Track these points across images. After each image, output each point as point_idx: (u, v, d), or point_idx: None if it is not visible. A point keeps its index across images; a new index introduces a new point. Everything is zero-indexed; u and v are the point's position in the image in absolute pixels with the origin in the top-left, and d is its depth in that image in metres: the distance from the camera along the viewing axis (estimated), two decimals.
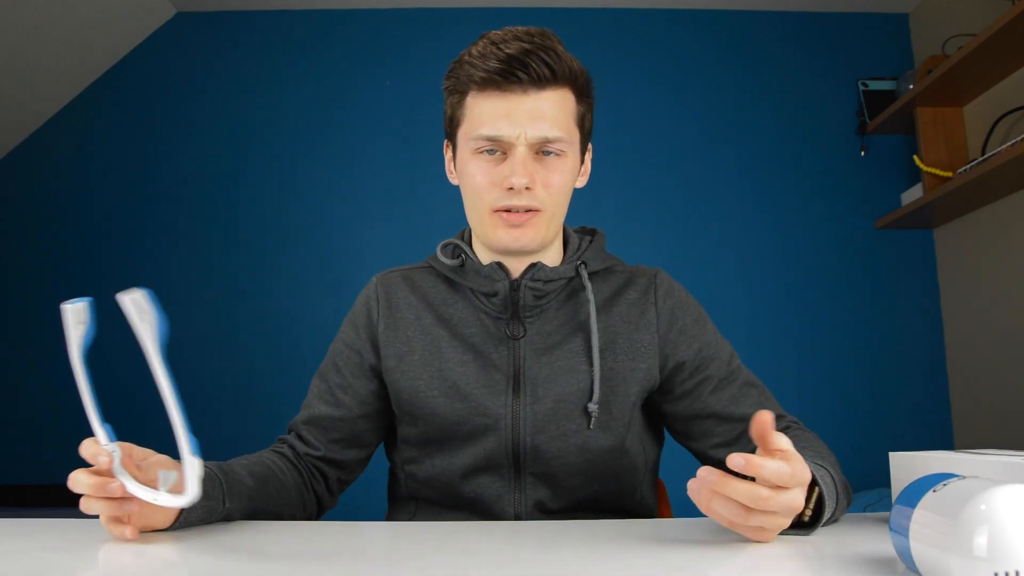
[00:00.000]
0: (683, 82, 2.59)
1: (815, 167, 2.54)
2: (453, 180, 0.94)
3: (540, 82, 0.82)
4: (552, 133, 0.83)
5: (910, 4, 2.59)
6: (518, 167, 0.82)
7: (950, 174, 2.18)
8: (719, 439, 0.93)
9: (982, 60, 2.02)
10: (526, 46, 0.82)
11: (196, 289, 2.45)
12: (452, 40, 2.61)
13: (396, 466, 1.00)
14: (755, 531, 0.60)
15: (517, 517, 0.90)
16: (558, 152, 0.85)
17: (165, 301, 2.41)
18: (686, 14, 2.64)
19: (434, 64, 2.61)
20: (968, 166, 2.04)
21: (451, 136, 0.92)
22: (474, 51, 0.85)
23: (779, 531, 0.61)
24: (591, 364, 0.88)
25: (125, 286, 2.51)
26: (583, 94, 0.88)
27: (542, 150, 0.84)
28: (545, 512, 0.90)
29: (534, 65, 0.81)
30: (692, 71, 2.60)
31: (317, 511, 0.98)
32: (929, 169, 2.25)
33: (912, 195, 2.37)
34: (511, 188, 0.83)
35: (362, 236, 2.46)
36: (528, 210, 0.85)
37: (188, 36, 2.61)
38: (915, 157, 2.31)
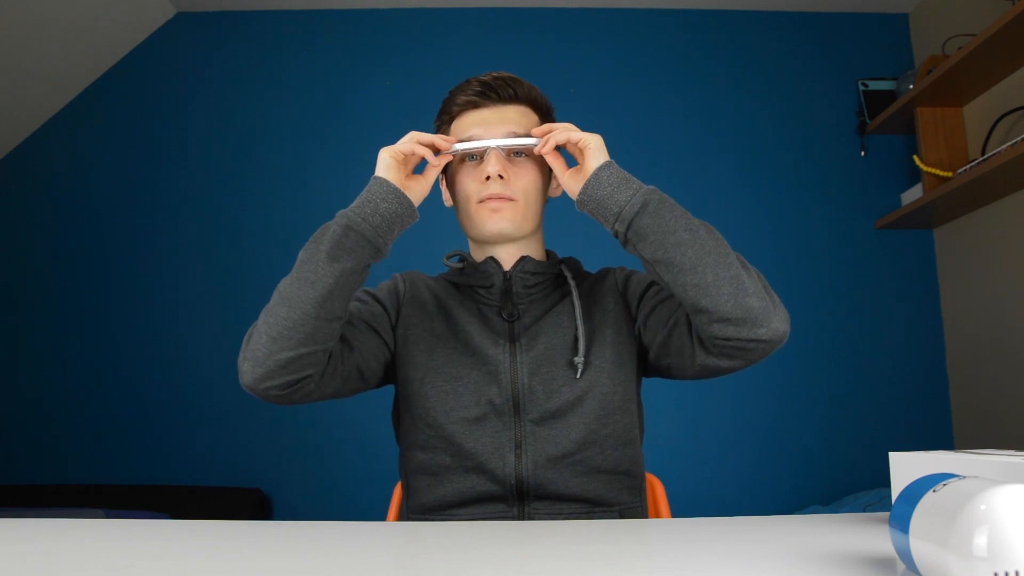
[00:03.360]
0: (683, 82, 2.59)
1: (815, 167, 2.54)
2: (448, 203, 1.11)
3: (505, 100, 1.04)
4: (517, 131, 1.02)
5: (910, 4, 2.59)
6: (492, 160, 0.99)
7: (950, 174, 2.18)
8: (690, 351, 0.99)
9: (982, 60, 2.02)
10: (495, 75, 1.05)
11: (196, 289, 2.45)
12: (452, 40, 2.64)
13: (400, 435, 1.06)
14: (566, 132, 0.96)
15: (517, 473, 0.94)
16: (526, 154, 1.03)
17: (166, 301, 2.43)
18: (686, 14, 2.64)
19: (434, 64, 2.63)
20: (968, 166, 2.04)
21: (444, 167, 1.09)
22: (457, 88, 1.06)
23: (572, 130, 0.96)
24: (575, 327, 1.02)
25: (126, 286, 2.54)
26: (545, 115, 1.08)
27: (512, 153, 1.02)
28: (546, 461, 0.95)
29: (500, 87, 1.03)
30: (692, 71, 2.60)
31: (328, 369, 0.95)
32: (929, 169, 2.25)
33: (912, 195, 2.37)
34: (488, 178, 1.00)
35: None
36: (504, 199, 1.01)
37: (188, 36, 2.61)
38: (915, 157, 2.31)
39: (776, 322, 0.88)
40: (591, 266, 1.16)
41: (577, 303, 1.02)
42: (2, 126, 2.46)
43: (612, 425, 0.99)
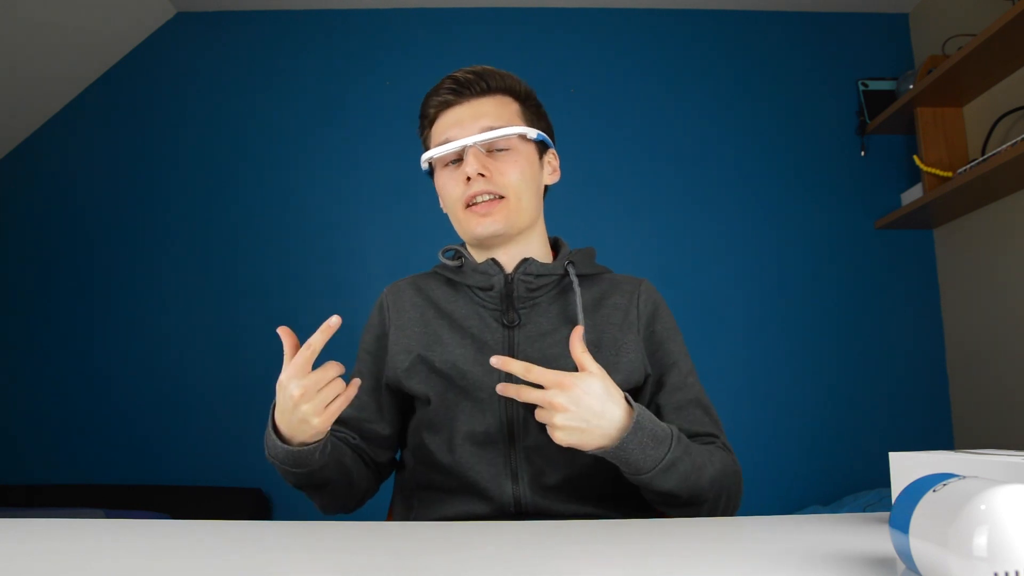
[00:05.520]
0: (683, 82, 2.59)
1: (815, 167, 2.54)
2: (445, 210, 1.07)
3: (478, 93, 1.00)
4: (494, 124, 0.98)
5: (910, 4, 2.59)
6: (470, 159, 0.96)
7: (950, 174, 2.18)
8: None
9: (982, 60, 2.02)
10: (468, 71, 1.01)
11: (198, 289, 2.45)
12: (452, 40, 2.64)
13: (404, 451, 1.06)
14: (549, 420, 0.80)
15: (515, 497, 0.93)
16: (507, 147, 0.99)
17: (167, 301, 2.44)
18: (686, 14, 2.64)
19: (434, 64, 2.62)
20: (968, 166, 2.04)
21: (431, 168, 1.06)
22: (432, 89, 1.04)
23: (567, 427, 0.79)
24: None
25: (125, 287, 2.54)
26: (525, 101, 1.04)
27: (494, 147, 0.99)
28: (542, 489, 0.93)
29: (470, 83, 1.00)
30: (692, 71, 2.60)
31: (371, 486, 1.04)
32: (929, 169, 2.25)
33: (912, 195, 2.37)
34: (469, 179, 0.97)
35: (362, 236, 2.46)
36: (492, 198, 0.98)
37: (188, 36, 2.61)
38: (915, 157, 2.32)
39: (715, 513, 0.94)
40: (597, 253, 1.10)
41: (581, 315, 0.96)
42: (2, 126, 2.46)
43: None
